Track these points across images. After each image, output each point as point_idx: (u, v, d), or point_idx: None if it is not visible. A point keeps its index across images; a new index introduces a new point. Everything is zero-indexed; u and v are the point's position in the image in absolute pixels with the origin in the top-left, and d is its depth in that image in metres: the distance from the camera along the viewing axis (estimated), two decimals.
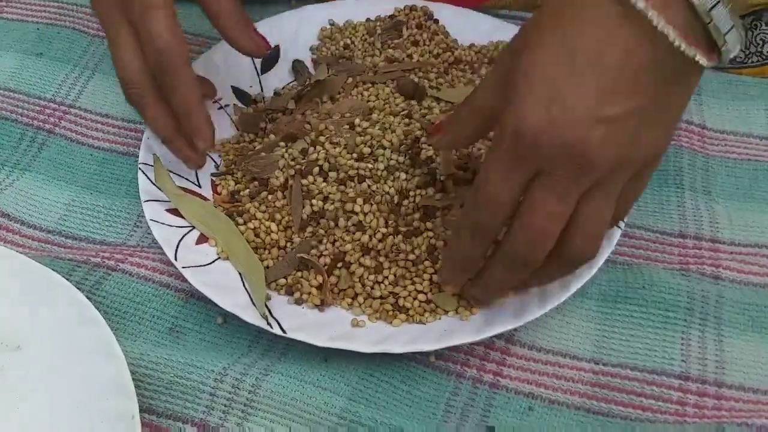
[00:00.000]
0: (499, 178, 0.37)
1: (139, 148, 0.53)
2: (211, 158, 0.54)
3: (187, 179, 0.52)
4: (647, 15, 0.34)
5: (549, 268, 0.40)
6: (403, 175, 0.49)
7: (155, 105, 0.48)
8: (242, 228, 0.50)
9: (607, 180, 0.37)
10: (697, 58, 0.35)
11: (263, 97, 0.58)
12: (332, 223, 0.48)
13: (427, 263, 0.47)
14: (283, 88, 0.58)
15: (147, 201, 0.50)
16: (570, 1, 0.36)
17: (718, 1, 0.34)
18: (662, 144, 0.39)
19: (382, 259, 0.47)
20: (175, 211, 0.50)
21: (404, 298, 0.46)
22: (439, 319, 0.46)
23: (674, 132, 0.40)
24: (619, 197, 0.39)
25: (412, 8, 0.61)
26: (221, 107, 0.57)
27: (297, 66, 0.59)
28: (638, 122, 0.36)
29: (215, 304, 0.45)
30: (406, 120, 0.52)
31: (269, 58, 0.59)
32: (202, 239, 0.49)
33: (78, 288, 0.46)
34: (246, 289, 0.47)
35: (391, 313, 0.46)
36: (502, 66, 0.38)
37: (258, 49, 0.50)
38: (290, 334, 0.44)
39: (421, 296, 0.47)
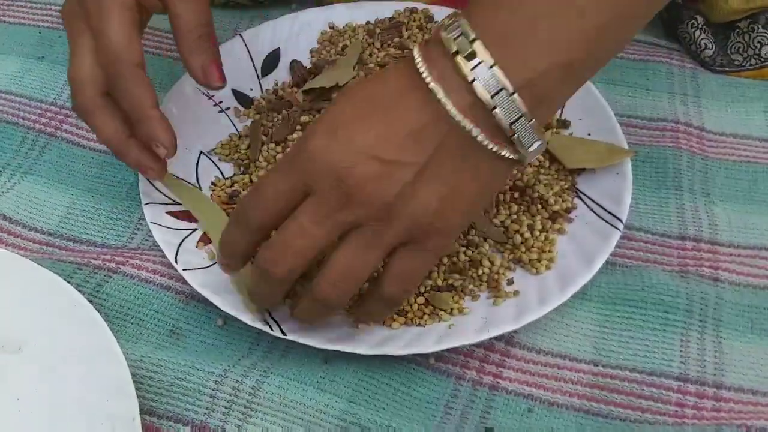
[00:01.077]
0: (272, 177, 0.39)
1: None
2: (211, 160, 0.54)
3: (186, 181, 0.53)
4: (435, 92, 0.36)
5: (303, 304, 0.42)
6: None
7: (101, 111, 0.46)
8: None
9: (369, 227, 0.38)
10: (479, 138, 0.36)
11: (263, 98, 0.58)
12: None
13: None
14: (282, 89, 0.58)
15: (147, 204, 0.50)
16: (386, 70, 0.39)
17: (501, 89, 0.35)
18: (440, 219, 0.38)
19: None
20: (175, 214, 0.50)
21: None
22: (438, 321, 0.46)
23: (462, 218, 0.39)
24: (392, 267, 0.39)
25: (413, 11, 0.61)
26: (222, 110, 0.57)
27: (294, 65, 0.59)
28: (410, 178, 0.37)
29: (216, 306, 0.45)
30: None
31: (270, 60, 0.59)
32: (203, 241, 0.50)
33: (79, 290, 0.46)
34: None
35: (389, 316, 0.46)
36: None
37: (206, 79, 0.46)
38: (290, 336, 0.44)
39: (420, 299, 0.47)
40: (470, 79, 0.36)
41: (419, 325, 0.46)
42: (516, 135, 0.37)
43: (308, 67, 0.59)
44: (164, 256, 0.49)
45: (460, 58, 0.36)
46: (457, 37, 0.36)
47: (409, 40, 0.59)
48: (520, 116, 0.36)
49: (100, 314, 0.44)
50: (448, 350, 0.45)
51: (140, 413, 0.41)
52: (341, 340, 0.44)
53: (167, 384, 0.44)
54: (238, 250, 0.42)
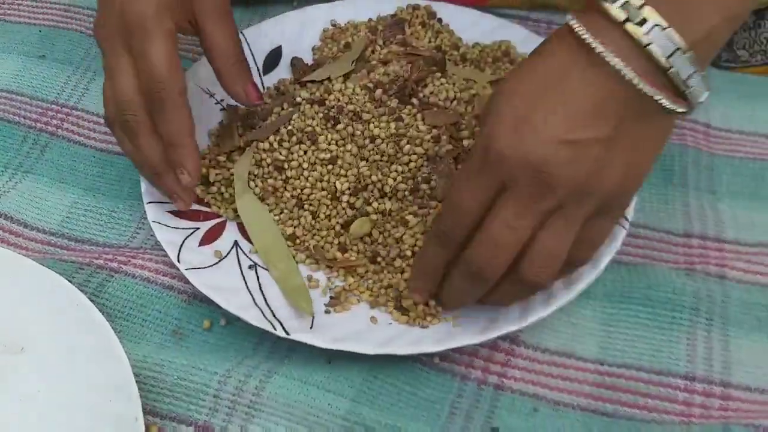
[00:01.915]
0: (466, 189, 0.40)
1: None
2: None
3: None
4: (611, 62, 0.37)
5: (502, 288, 0.42)
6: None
7: (148, 132, 0.46)
8: None
9: (567, 207, 0.38)
10: (660, 100, 0.37)
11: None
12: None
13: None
14: (283, 84, 0.58)
15: (149, 203, 0.50)
16: (544, 48, 0.40)
17: (677, 49, 0.37)
18: (628, 184, 0.40)
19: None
20: (177, 213, 0.50)
21: (406, 299, 0.46)
22: (439, 321, 0.46)
23: (644, 178, 0.40)
24: (582, 236, 0.40)
25: (415, 7, 0.61)
26: (223, 109, 0.57)
27: (295, 62, 0.59)
28: (602, 153, 0.38)
29: (218, 306, 0.45)
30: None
31: (271, 58, 0.59)
32: (205, 241, 0.49)
33: (81, 290, 0.45)
34: (249, 290, 0.47)
35: (391, 303, 0.46)
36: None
37: (248, 100, 0.50)
38: (294, 336, 0.44)
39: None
40: (645, 43, 0.36)
41: (422, 326, 0.46)
42: (690, 89, 0.38)
43: (310, 64, 0.59)
44: (166, 256, 0.48)
45: (630, 25, 0.36)
46: (622, 5, 0.37)
47: (411, 37, 0.59)
48: (694, 72, 0.37)
49: (103, 314, 0.44)
50: (452, 350, 0.45)
51: (143, 413, 0.41)
52: (345, 339, 0.44)
53: (170, 384, 0.44)
54: (438, 270, 0.43)
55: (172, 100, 0.45)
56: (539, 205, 0.38)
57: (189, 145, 0.46)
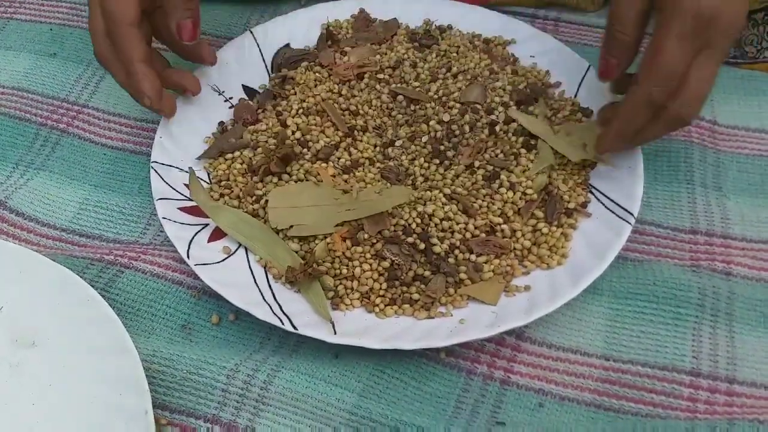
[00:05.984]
0: (677, 53, 0.43)
1: (151, 147, 0.53)
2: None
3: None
4: None
5: (655, 126, 0.46)
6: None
7: (112, 63, 0.51)
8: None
9: (719, 44, 0.43)
10: None
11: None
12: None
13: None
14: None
15: (159, 199, 0.50)
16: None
17: None
18: (741, 18, 0.44)
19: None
20: (187, 209, 0.51)
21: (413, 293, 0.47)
22: (428, 317, 0.46)
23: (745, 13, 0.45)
24: (696, 72, 0.44)
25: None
26: (232, 107, 0.57)
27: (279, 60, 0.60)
28: None
29: (227, 301, 0.46)
30: None
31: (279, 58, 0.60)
32: (214, 237, 0.50)
33: (92, 285, 0.46)
34: (257, 285, 0.47)
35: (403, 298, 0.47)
36: None
37: (180, 36, 0.51)
38: (301, 331, 0.44)
39: (412, 288, 0.47)
40: None
41: (429, 317, 0.46)
42: None
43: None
44: (176, 252, 0.49)
45: None
46: None
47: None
48: None
49: (113, 309, 0.45)
50: (459, 345, 0.45)
51: (153, 407, 0.41)
52: (352, 334, 0.44)
53: (179, 378, 0.44)
54: (637, 130, 0.47)
55: (121, 31, 0.49)
56: (697, 41, 0.43)
57: (140, 71, 0.50)
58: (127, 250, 0.51)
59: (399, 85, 0.55)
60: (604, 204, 0.50)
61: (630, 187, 0.49)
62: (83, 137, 0.59)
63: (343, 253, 0.48)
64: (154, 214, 0.52)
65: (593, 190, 0.51)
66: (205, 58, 0.55)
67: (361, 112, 0.54)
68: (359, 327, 0.46)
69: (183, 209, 0.51)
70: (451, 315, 0.46)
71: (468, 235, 0.48)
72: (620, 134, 0.48)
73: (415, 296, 0.47)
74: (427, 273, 0.47)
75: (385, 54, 0.58)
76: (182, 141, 0.54)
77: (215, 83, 0.57)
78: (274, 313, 0.45)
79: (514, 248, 0.48)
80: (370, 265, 0.47)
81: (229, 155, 0.53)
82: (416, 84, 0.55)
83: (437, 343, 0.44)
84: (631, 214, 0.48)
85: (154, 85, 0.51)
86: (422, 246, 0.47)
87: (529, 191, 0.50)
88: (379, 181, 0.51)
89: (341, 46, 0.58)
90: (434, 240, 0.48)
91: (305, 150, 0.52)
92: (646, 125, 0.46)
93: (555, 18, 0.65)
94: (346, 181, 0.50)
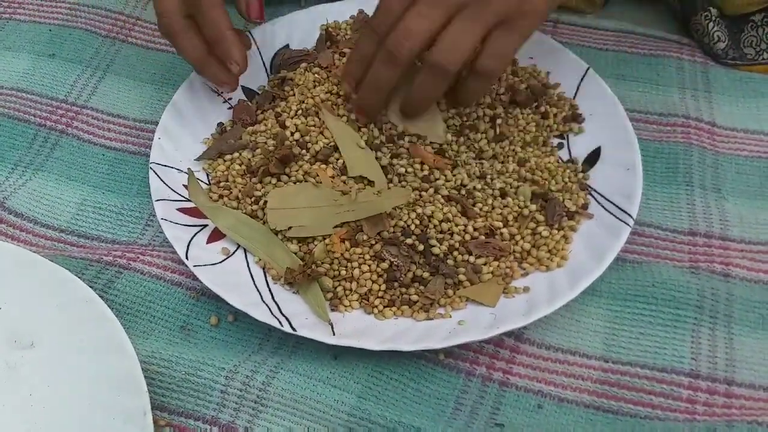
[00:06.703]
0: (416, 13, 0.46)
1: (150, 148, 0.53)
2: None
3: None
4: None
5: (419, 77, 0.48)
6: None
7: (184, 33, 0.52)
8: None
9: (472, 7, 0.45)
10: None
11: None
12: None
13: None
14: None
15: (158, 200, 0.50)
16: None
17: None
18: (528, 2, 0.45)
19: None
20: (186, 210, 0.51)
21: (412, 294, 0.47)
22: (427, 318, 0.46)
23: (544, 5, 0.46)
24: (490, 46, 0.46)
25: None
26: (231, 107, 0.57)
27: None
28: None
29: (226, 302, 0.46)
30: None
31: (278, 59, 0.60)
32: (213, 238, 0.50)
33: (90, 286, 0.46)
34: (256, 287, 0.47)
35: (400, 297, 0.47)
36: None
37: (248, 14, 0.55)
38: (300, 332, 0.44)
39: (411, 290, 0.47)
40: None
41: (428, 318, 0.46)
42: None
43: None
44: (175, 253, 0.49)
45: None
46: None
47: None
48: None
49: (112, 310, 0.44)
50: (457, 346, 0.45)
51: (151, 408, 0.41)
52: (351, 336, 0.44)
53: (178, 379, 0.44)
54: (366, 58, 0.49)
55: (210, 3, 0.50)
56: (448, 4, 0.45)
57: (230, 38, 0.52)
58: (126, 251, 0.51)
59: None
60: (602, 206, 0.50)
61: (629, 188, 0.49)
62: (82, 138, 0.59)
63: (342, 254, 0.48)
64: (153, 214, 0.52)
65: (592, 192, 0.51)
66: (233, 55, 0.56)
67: None
68: (358, 328, 0.46)
69: (182, 210, 0.51)
70: (450, 316, 0.46)
71: (467, 236, 0.48)
72: (350, 59, 0.51)
73: (414, 297, 0.47)
74: (426, 274, 0.47)
75: None
76: (181, 142, 0.54)
77: (214, 85, 0.57)
78: (273, 315, 0.45)
79: (514, 250, 0.48)
80: (369, 266, 0.47)
81: (228, 156, 0.53)
82: None
83: (436, 345, 0.44)
84: (630, 215, 0.48)
85: (243, 53, 0.53)
86: (421, 247, 0.47)
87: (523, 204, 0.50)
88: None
89: (340, 47, 0.58)
90: (433, 241, 0.48)
91: (304, 151, 0.52)
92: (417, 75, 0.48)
93: (554, 20, 0.65)
94: (344, 182, 0.50)
